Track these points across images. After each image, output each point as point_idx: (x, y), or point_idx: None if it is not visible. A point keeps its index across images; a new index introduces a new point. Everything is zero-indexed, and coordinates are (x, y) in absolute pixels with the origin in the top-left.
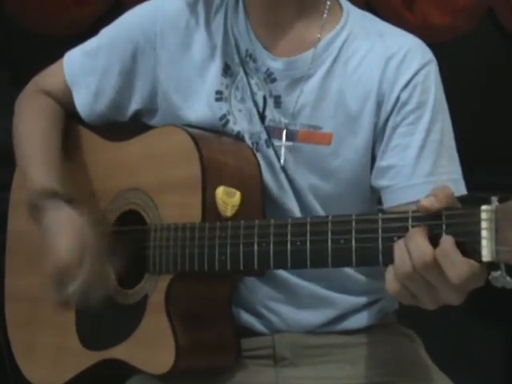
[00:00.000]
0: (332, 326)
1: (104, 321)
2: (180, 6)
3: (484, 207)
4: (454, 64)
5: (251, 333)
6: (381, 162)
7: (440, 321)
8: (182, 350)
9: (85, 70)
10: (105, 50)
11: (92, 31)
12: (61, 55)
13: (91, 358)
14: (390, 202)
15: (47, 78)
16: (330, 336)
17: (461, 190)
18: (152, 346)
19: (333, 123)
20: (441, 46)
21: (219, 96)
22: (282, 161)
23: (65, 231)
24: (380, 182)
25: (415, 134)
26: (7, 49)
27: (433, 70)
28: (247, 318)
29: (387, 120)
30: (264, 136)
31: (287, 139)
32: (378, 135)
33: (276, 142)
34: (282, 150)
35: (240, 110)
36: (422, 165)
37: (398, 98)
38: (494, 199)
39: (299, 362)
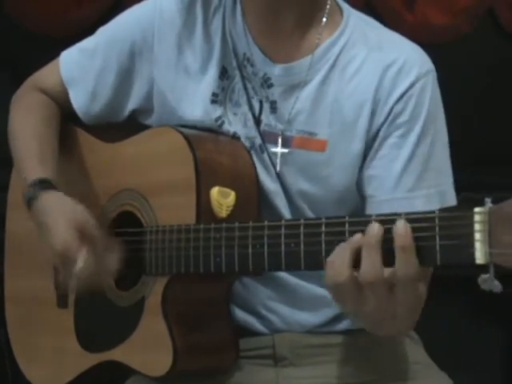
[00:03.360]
0: (332, 326)
1: (102, 323)
2: (178, 6)
3: (477, 209)
4: (454, 64)
5: (251, 333)
6: (367, 171)
7: (439, 320)
8: (179, 351)
9: (81, 70)
10: (102, 50)
11: (92, 31)
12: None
13: (90, 360)
14: (372, 212)
15: (43, 77)
16: (330, 336)
17: (449, 201)
18: (149, 348)
19: (328, 130)
20: (441, 47)
21: (214, 98)
22: (277, 167)
23: (54, 216)
24: (364, 190)
25: (403, 147)
26: (7, 49)
27: (430, 81)
28: (247, 318)
29: (379, 129)
30: (258, 141)
31: (282, 145)
32: (369, 143)
33: (270, 147)
34: (278, 156)
35: (235, 114)
36: (405, 179)
37: (391, 110)
38: (488, 201)
39: (299, 362)
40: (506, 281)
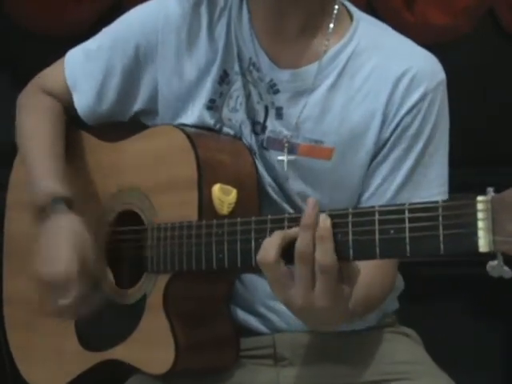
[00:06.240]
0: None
1: (103, 321)
2: (182, 10)
3: (480, 198)
4: (454, 64)
5: (252, 333)
6: (368, 178)
7: (439, 319)
8: (181, 349)
9: (86, 72)
10: (106, 52)
11: (92, 31)
12: (61, 55)
13: (91, 359)
14: None
15: (49, 77)
16: (330, 336)
17: None
18: (151, 345)
19: (335, 138)
20: (441, 47)
21: (211, 105)
22: (281, 173)
23: (66, 242)
24: (361, 195)
25: (407, 160)
26: (7, 49)
27: (439, 93)
28: (247, 317)
29: (387, 141)
30: (254, 149)
31: (287, 152)
32: (376, 153)
33: (275, 154)
34: (284, 163)
35: (230, 120)
36: (404, 190)
37: (400, 121)
38: (490, 190)
39: (299, 362)
40: None
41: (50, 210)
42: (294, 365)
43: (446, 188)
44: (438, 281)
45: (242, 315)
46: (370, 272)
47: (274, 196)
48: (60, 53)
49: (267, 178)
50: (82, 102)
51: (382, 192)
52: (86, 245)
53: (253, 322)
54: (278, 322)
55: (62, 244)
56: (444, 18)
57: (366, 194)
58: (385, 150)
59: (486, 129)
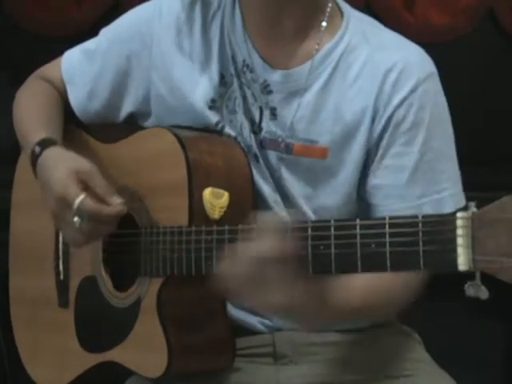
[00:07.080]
0: (331, 324)
1: (101, 323)
2: (177, 11)
3: (460, 214)
4: (453, 64)
5: (251, 332)
6: (373, 180)
7: (440, 320)
8: (174, 352)
9: (81, 70)
10: (102, 51)
11: (92, 31)
12: (60, 55)
13: (90, 360)
14: None
15: (47, 72)
16: (331, 334)
17: (459, 203)
18: (146, 349)
19: (329, 137)
20: (441, 47)
21: (213, 104)
22: (280, 173)
23: (60, 164)
24: (372, 201)
25: (409, 154)
26: (7, 49)
27: (431, 85)
28: (246, 318)
29: (381, 138)
30: (254, 150)
31: (283, 152)
32: (371, 151)
33: (271, 154)
34: (279, 163)
35: (231, 121)
36: (414, 187)
37: (392, 116)
38: (472, 205)
39: (299, 360)
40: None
41: (43, 154)
42: (295, 363)
43: (459, 182)
44: (438, 280)
45: (241, 315)
46: (368, 280)
47: (275, 196)
48: (60, 53)
49: (268, 178)
50: (76, 98)
51: (388, 192)
52: (78, 160)
53: (252, 322)
54: (277, 320)
55: (52, 170)
56: (444, 18)
57: (373, 195)
58: (383, 148)
59: (485, 129)
